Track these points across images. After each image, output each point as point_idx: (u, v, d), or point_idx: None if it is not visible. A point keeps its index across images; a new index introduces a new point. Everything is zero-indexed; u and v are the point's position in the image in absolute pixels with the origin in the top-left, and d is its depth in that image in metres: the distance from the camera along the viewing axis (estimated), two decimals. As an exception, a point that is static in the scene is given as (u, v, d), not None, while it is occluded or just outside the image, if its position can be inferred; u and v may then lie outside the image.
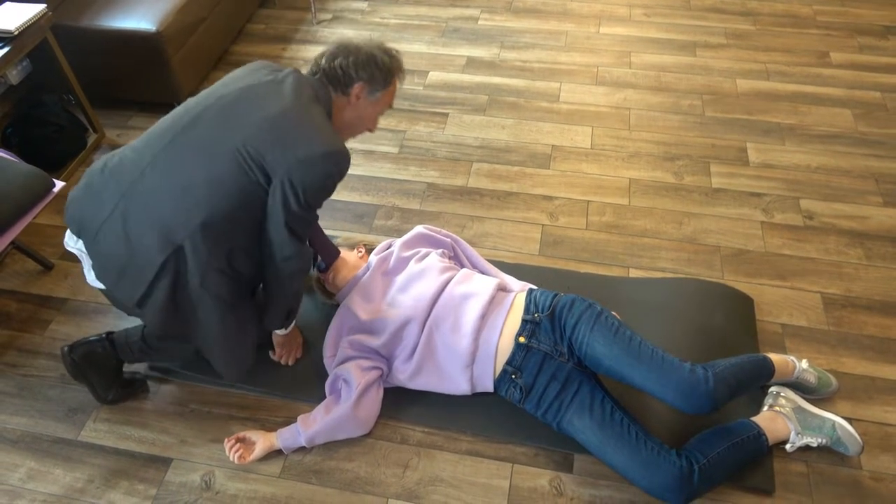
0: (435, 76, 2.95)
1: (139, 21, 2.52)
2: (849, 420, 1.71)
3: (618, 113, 2.73)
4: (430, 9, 3.40)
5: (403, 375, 1.76)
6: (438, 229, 2.02)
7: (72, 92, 2.51)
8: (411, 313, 1.74)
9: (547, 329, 1.69)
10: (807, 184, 2.38)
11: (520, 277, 2.05)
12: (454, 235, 2.02)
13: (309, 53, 3.12)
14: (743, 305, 1.99)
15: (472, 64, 3.02)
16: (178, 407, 1.83)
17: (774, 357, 1.73)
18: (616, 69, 2.96)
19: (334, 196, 2.41)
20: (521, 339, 1.68)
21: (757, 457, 1.61)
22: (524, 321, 1.70)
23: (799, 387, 1.74)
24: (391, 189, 2.44)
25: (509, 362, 1.68)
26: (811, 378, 1.73)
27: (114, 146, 2.66)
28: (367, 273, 1.87)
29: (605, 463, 1.58)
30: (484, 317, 1.71)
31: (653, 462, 1.51)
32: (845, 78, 2.83)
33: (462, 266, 1.97)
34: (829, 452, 1.66)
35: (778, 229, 2.23)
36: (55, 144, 2.48)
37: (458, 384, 1.73)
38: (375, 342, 1.76)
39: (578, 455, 1.69)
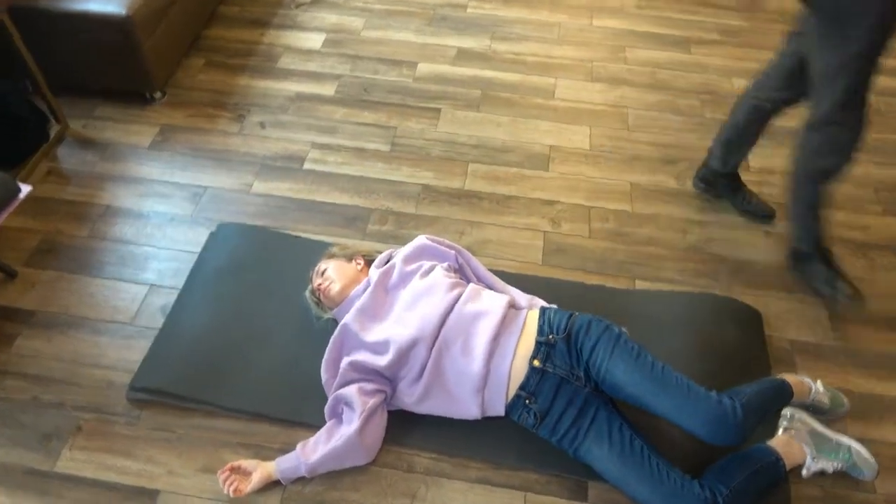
0: (424, 68, 2.81)
1: (106, 4, 2.30)
2: (860, 441, 1.69)
3: (616, 112, 2.65)
4: (415, -6, 3.24)
5: (410, 399, 1.67)
6: (441, 240, 1.92)
7: (31, 79, 2.29)
8: (418, 334, 1.63)
9: (563, 352, 1.61)
10: (807, 191, 2.36)
11: (524, 289, 1.96)
12: (458, 247, 1.91)
13: (289, 40, 2.93)
14: (752, 321, 1.96)
15: (462, 55, 2.89)
16: (164, 433, 1.69)
17: (791, 379, 1.70)
18: (611, 64, 2.88)
19: (324, 197, 2.27)
20: (536, 363, 1.60)
21: (775, 483, 1.58)
22: (538, 343, 1.62)
23: (813, 408, 1.71)
24: (384, 190, 2.31)
25: (523, 387, 1.60)
26: (825, 399, 1.71)
27: (80, 139, 2.45)
28: (369, 289, 1.76)
29: (625, 493, 1.52)
30: (496, 338, 1.63)
31: (677, 495, 1.45)
32: (840, 80, 2.81)
33: (467, 279, 1.88)
34: (844, 477, 1.64)
35: (781, 239, 2.20)
36: (14, 138, 2.27)
37: (468, 409, 1.65)
38: (380, 363, 1.65)
39: (593, 482, 1.63)
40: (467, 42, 2.96)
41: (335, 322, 1.82)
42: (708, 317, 1.95)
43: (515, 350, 1.62)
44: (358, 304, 1.74)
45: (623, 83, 2.78)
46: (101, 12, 2.29)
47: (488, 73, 2.80)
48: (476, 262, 1.92)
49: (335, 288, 1.79)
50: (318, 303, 1.86)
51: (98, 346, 1.86)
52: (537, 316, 1.69)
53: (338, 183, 2.34)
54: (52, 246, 2.09)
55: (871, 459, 1.60)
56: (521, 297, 1.84)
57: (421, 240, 1.89)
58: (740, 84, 2.77)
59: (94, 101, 2.58)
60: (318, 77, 2.75)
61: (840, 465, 1.61)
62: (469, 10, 3.15)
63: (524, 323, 1.67)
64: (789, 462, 1.60)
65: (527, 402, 1.60)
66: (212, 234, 2.14)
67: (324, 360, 1.74)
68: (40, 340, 1.86)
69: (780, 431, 1.66)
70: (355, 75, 2.76)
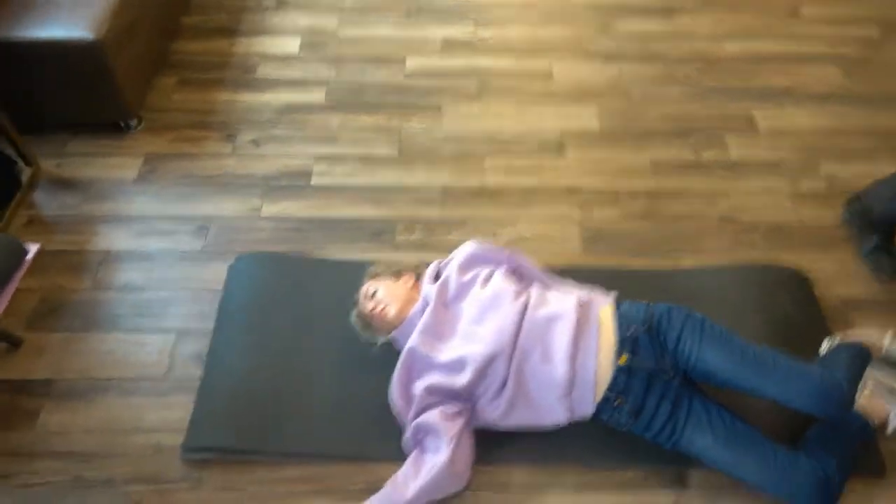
0: (413, 63, 2.68)
1: (71, 29, 2.06)
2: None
3: (617, 89, 2.60)
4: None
5: (493, 416, 1.58)
6: (490, 245, 1.82)
7: (-6, 120, 2.04)
8: (496, 348, 1.54)
9: (646, 345, 1.55)
10: (819, 147, 2.38)
11: (575, 283, 1.89)
12: (509, 249, 1.82)
13: (263, 46, 2.74)
14: (801, 284, 1.96)
15: (449, 46, 2.77)
16: (232, 492, 1.55)
17: (862, 337, 1.70)
18: (601, 40, 2.82)
19: (341, 212, 2.13)
20: (622, 361, 1.54)
21: (867, 446, 1.58)
22: (620, 340, 1.56)
23: (887, 360, 1.72)
24: (403, 198, 2.19)
25: (611, 388, 1.53)
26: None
27: (56, 180, 2.21)
28: (430, 307, 1.65)
29: (735, 478, 1.49)
30: (575, 340, 1.55)
31: (789, 471, 1.43)
32: (822, 33, 2.85)
33: (526, 282, 1.79)
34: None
35: (806, 198, 2.21)
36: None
37: (555, 416, 1.57)
38: (458, 384, 1.55)
39: (692, 470, 1.59)
40: (451, 31, 2.84)
41: (390, 346, 1.71)
42: (758, 286, 1.94)
43: (598, 349, 1.55)
44: (421, 324, 1.63)
45: (617, 58, 2.73)
46: (66, 38, 2.05)
47: (480, 62, 2.70)
48: (529, 262, 1.83)
49: (391, 311, 1.67)
50: (369, 327, 1.73)
51: (133, 409, 1.68)
52: (611, 311, 1.63)
53: (352, 195, 2.20)
54: (54, 304, 1.88)
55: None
56: (583, 293, 1.77)
57: (470, 246, 1.79)
58: (731, 48, 2.78)
59: (62, 137, 2.33)
60: (304, 84, 2.58)
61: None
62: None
63: (599, 320, 1.61)
64: (875, 421, 1.61)
65: (616, 402, 1.54)
66: (231, 268, 1.97)
67: (393, 389, 1.62)
68: (66, 412, 1.67)
69: (861, 392, 1.67)
70: (343, 78, 2.61)
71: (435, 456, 1.52)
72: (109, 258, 2.00)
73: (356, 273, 1.87)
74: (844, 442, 1.51)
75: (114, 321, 1.85)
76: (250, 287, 1.92)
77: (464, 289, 1.69)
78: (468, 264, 1.75)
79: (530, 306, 1.61)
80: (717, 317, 1.80)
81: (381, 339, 1.73)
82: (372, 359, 1.73)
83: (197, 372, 1.74)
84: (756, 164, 2.32)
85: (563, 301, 1.64)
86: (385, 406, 1.64)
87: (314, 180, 2.24)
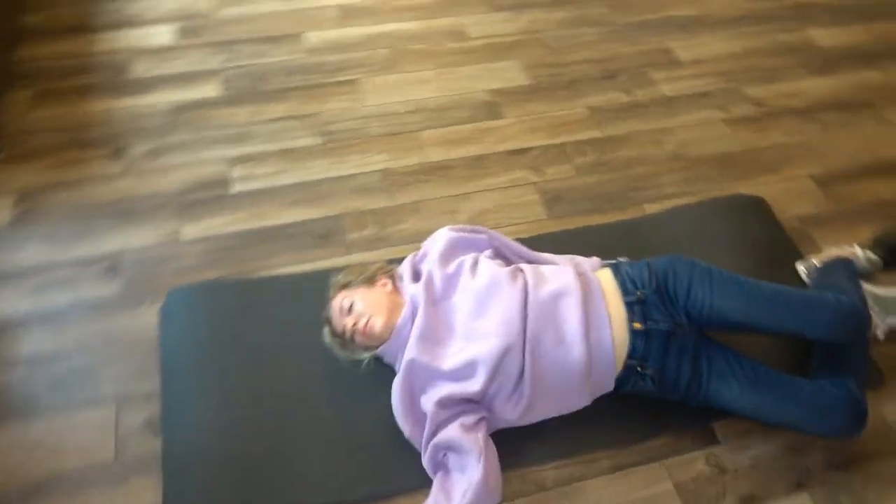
0: (313, 37, 2.40)
1: None
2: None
3: (533, 38, 2.47)
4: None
5: (513, 415, 1.43)
6: (465, 227, 1.65)
7: None
8: (507, 340, 1.39)
9: (657, 304, 1.47)
10: (740, 71, 2.40)
11: (555, 251, 1.77)
12: (486, 229, 1.66)
13: (130, 40, 2.32)
14: (763, 210, 1.96)
15: (348, 13, 2.50)
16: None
17: (835, 254, 1.73)
18: (503, -11, 2.67)
19: (276, 219, 1.86)
20: (637, 326, 1.44)
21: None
22: (629, 304, 1.46)
23: (861, 271, 1.76)
24: (342, 190, 1.95)
25: (631, 355, 1.44)
26: (872, 257, 1.76)
27: None
28: (420, 310, 1.46)
29: (765, 422, 1.46)
30: (585, 314, 1.44)
31: (818, 403, 1.40)
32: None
33: (510, 261, 1.64)
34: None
35: (741, 123, 2.23)
36: None
37: (578, 400, 1.46)
38: (471, 389, 1.39)
39: (717, 423, 1.54)
40: (341, -4, 2.57)
41: (379, 361, 1.52)
42: (725, 219, 1.92)
43: (609, 319, 1.45)
44: (415, 331, 1.44)
45: (527, 6, 2.60)
46: None
47: (386, 27, 2.46)
48: (508, 239, 1.68)
49: (378, 323, 1.46)
50: (349, 346, 1.52)
51: (86, 506, 1.37)
52: (611, 275, 1.53)
53: (283, 197, 1.92)
54: (-55, 399, 1.49)
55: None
56: (575, 262, 1.66)
57: (445, 234, 1.61)
58: (631, -19, 2.73)
59: None
60: (192, 78, 2.22)
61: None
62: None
63: (602, 288, 1.50)
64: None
65: (639, 369, 1.45)
66: (163, 310, 1.65)
67: (397, 411, 1.43)
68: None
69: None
70: (237, 65, 2.27)
71: (464, 475, 1.35)
72: (6, 328, 1.61)
73: (314, 286, 1.66)
74: (854, 359, 1.52)
75: (33, 404, 1.49)
76: (192, 327, 1.62)
77: (451, 282, 1.52)
78: (448, 254, 1.57)
79: (531, 287, 1.46)
80: (696, 257, 1.78)
81: (366, 357, 1.52)
82: (360, 380, 1.52)
83: (154, 444, 1.44)
84: (687, 97, 2.30)
85: (560, 274, 1.51)
86: (389, 430, 1.45)
87: (235, 188, 1.94)
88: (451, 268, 1.54)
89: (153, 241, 1.80)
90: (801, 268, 1.78)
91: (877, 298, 1.68)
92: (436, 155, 2.07)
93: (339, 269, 1.68)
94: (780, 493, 1.44)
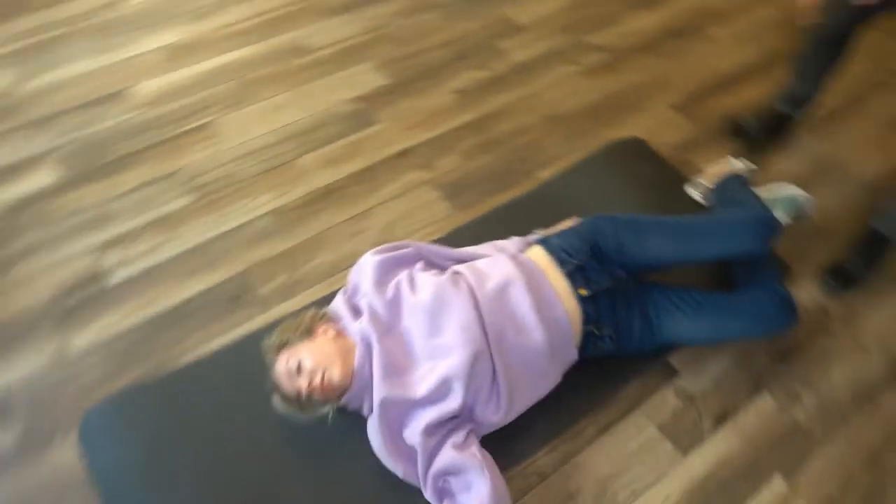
0: (144, 89, 2.16)
1: None
2: (778, 183, 1.97)
3: (379, 35, 2.41)
4: (46, 12, 2.40)
5: (496, 416, 1.41)
6: (388, 245, 1.58)
7: None
8: (471, 348, 1.35)
9: (594, 266, 1.50)
10: (577, 23, 2.50)
11: (473, 241, 1.75)
12: (409, 242, 1.60)
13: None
14: (643, 148, 2.07)
15: (175, 54, 2.28)
16: None
17: (719, 170, 1.87)
18: (328, -7, 2.57)
19: (174, 297, 1.68)
20: (583, 292, 1.47)
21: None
22: (569, 274, 1.48)
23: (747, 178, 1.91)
24: (236, 245, 1.80)
25: (585, 321, 1.47)
26: (749, 165, 1.92)
27: None
28: (375, 346, 1.38)
29: (716, 342, 1.57)
30: (535, 298, 1.44)
31: (758, 308, 1.50)
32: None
33: (442, 268, 1.59)
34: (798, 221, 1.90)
35: (594, 72, 2.32)
36: None
37: (551, 381, 1.46)
38: (451, 407, 1.34)
39: (670, 358, 1.62)
40: (165, 36, 2.33)
41: (342, 410, 1.42)
42: (616, 166, 2.00)
43: (557, 294, 1.46)
44: (377, 369, 1.36)
45: (359, 5, 2.52)
46: None
47: (224, 59, 2.28)
48: (433, 246, 1.63)
49: (335, 374, 1.36)
50: (308, 407, 1.41)
51: None
52: (543, 251, 1.53)
53: (173, 271, 1.73)
54: None
55: (806, 195, 1.87)
56: (503, 248, 1.65)
57: (369, 259, 1.53)
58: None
59: None
60: (19, 169, 1.93)
61: (790, 214, 1.85)
62: (133, 2, 2.46)
63: (539, 266, 1.50)
64: (714, 180, 1.84)
65: (595, 331, 1.48)
66: (82, 440, 1.42)
67: (383, 455, 1.35)
68: None
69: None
70: (67, 140, 2.00)
71: (471, 493, 1.31)
72: None
73: (243, 354, 1.52)
74: (769, 261, 1.66)
75: None
76: (124, 445, 1.42)
77: (394, 307, 1.45)
78: (381, 280, 1.50)
79: (475, 287, 1.43)
80: (604, 209, 1.85)
81: (329, 410, 1.42)
82: (329, 435, 1.42)
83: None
84: (539, 59, 2.36)
85: (497, 266, 1.49)
86: (380, 476, 1.37)
87: (114, 277, 1.71)
88: (389, 292, 1.47)
89: (40, 366, 1.55)
90: (692, 192, 1.91)
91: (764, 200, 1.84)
92: (321, 179, 1.96)
93: (264, 330, 1.56)
94: (745, 401, 1.56)
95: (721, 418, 1.53)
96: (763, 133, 2.07)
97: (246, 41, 2.35)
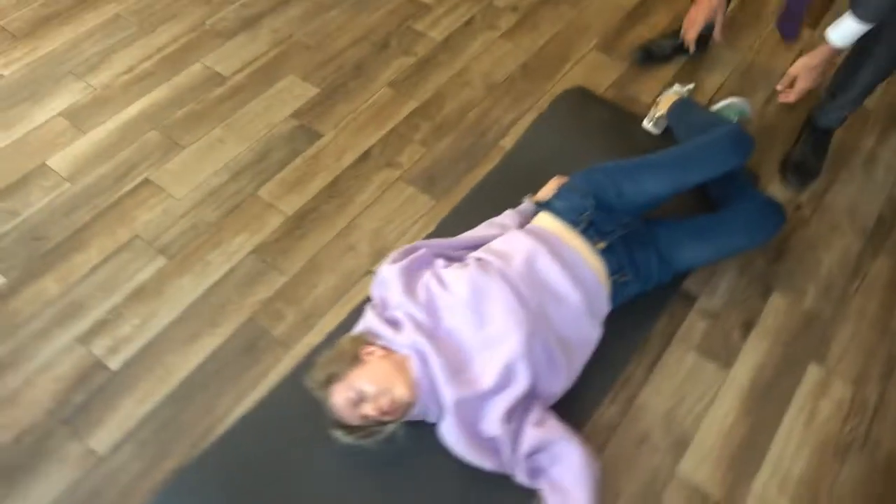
0: (59, 162, 1.94)
1: None
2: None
3: (290, 46, 2.29)
4: None
5: (560, 384, 1.44)
6: (401, 250, 1.55)
7: None
8: (524, 329, 1.36)
9: (603, 218, 1.55)
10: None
11: (465, 228, 1.75)
12: (419, 242, 1.57)
13: None
14: (586, 95, 2.13)
15: (78, 118, 2.06)
16: None
17: (670, 97, 1.97)
18: (220, 12, 2.41)
19: (191, 363, 1.56)
20: (601, 245, 1.52)
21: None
22: (584, 231, 1.52)
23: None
24: (229, 295, 1.69)
25: (610, 274, 1.52)
26: (686, 86, 2.04)
27: None
28: (429, 352, 1.36)
29: (724, 257, 1.67)
30: (561, 263, 1.46)
31: (751, 220, 1.62)
32: None
33: (459, 259, 1.58)
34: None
35: (514, 32, 2.35)
36: None
37: (595, 336, 1.50)
38: (520, 390, 1.36)
39: (684, 285, 1.71)
40: (57, 102, 2.10)
41: (404, 424, 1.40)
42: (571, 118, 2.06)
43: (579, 254, 1.50)
44: (440, 374, 1.34)
45: (253, 19, 2.38)
46: None
47: (135, 109, 2.08)
48: (441, 240, 1.62)
49: (400, 390, 1.33)
50: (379, 431, 1.37)
51: None
52: (550, 217, 1.57)
53: (174, 339, 1.61)
54: None
55: (743, 99, 1.99)
56: (498, 227, 1.66)
57: (389, 270, 1.50)
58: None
59: None
60: (-52, 283, 1.70)
61: (735, 120, 1.99)
62: (5, 74, 2.18)
63: (551, 232, 1.53)
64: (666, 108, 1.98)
65: (621, 279, 1.53)
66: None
67: (467, 453, 1.35)
68: None
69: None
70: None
71: (563, 464, 1.34)
72: None
73: (285, 400, 1.46)
74: (742, 173, 1.78)
75: None
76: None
77: (432, 309, 1.43)
78: (408, 286, 1.47)
79: (504, 269, 1.44)
80: (577, 164, 1.89)
81: (394, 428, 1.39)
82: (399, 452, 1.40)
83: None
84: (458, 32, 2.35)
85: (514, 242, 1.51)
86: (466, 476, 1.37)
87: (112, 363, 1.56)
88: (421, 296, 1.45)
89: (70, 480, 1.40)
90: (649, 126, 1.99)
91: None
92: (290, 206, 1.87)
93: (299, 369, 1.50)
94: (761, 305, 1.68)
95: (747, 327, 1.64)
96: (674, 52, 2.21)
97: (151, 85, 2.17)
